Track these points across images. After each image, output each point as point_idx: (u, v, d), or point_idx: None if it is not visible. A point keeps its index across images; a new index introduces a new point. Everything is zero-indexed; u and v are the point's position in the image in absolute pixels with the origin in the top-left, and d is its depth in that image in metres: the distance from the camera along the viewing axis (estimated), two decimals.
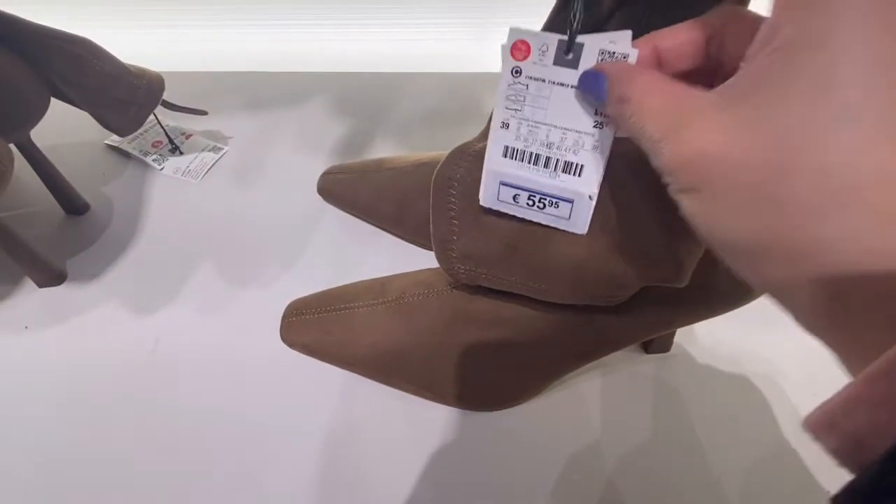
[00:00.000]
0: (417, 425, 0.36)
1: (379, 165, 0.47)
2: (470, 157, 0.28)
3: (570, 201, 0.25)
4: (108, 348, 0.40)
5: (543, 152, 0.24)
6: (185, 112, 0.49)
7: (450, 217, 0.28)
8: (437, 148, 0.46)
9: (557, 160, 0.24)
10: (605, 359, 0.35)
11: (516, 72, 0.23)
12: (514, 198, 0.26)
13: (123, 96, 0.42)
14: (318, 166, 0.50)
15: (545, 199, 0.25)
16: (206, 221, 0.48)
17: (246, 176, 0.51)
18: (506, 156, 0.25)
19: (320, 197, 0.49)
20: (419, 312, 0.35)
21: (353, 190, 0.47)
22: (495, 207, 0.27)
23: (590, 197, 0.25)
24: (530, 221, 0.27)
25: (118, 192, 0.50)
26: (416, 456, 0.35)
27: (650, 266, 0.26)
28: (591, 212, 0.25)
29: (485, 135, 0.30)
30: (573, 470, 0.34)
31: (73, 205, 0.47)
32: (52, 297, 0.43)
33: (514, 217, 0.27)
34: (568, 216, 0.26)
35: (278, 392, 0.38)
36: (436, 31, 0.67)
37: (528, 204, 0.26)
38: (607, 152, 0.23)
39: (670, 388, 0.38)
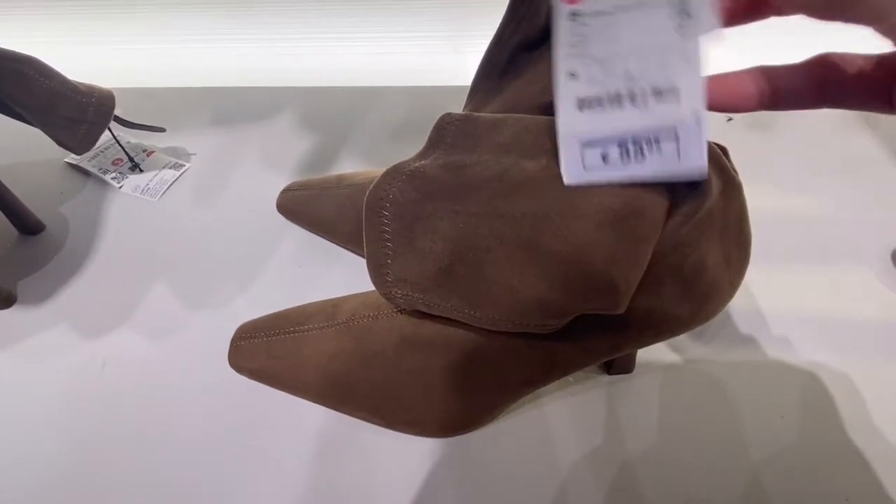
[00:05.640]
0: (372, 452, 0.35)
1: (339, 181, 0.45)
2: (403, 177, 0.27)
3: (675, 135, 0.21)
4: (54, 372, 0.39)
5: (625, 86, 0.21)
6: (142, 129, 0.48)
7: (383, 240, 0.27)
8: None
9: (643, 88, 0.21)
10: (565, 379, 0.34)
11: (573, 15, 0.21)
12: (604, 157, 0.22)
13: (72, 114, 0.41)
14: (281, 183, 0.48)
15: (641, 144, 0.21)
16: (163, 241, 0.47)
17: (206, 194, 0.50)
18: (581, 109, 0.22)
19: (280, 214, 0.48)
20: (367, 336, 0.34)
21: (312, 207, 0.46)
22: (585, 180, 0.23)
23: (697, 122, 0.20)
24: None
25: (75, 211, 0.49)
26: (371, 484, 0.34)
27: (585, 294, 0.24)
28: (705, 141, 0.21)
29: (422, 154, 0.29)
30: (534, 495, 0.33)
31: (26, 224, 0.46)
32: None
33: (455, 236, 0.24)
34: (677, 156, 0.21)
35: (228, 417, 0.37)
36: (404, 44, 0.66)
37: (622, 159, 0.22)
38: (700, 61, 0.20)
39: (633, 409, 0.36)
